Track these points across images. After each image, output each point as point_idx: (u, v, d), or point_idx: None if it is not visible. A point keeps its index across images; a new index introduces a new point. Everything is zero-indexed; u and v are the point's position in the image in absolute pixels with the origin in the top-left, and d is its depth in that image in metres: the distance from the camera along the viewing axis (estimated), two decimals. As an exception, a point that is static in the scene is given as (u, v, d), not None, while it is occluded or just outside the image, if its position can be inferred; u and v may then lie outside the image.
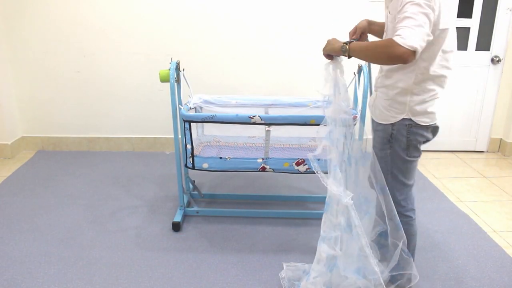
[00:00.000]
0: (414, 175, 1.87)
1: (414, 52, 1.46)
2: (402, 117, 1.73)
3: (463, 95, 3.83)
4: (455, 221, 2.72)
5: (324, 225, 1.85)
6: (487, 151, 4.02)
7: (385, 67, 1.76)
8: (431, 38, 1.54)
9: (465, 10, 3.61)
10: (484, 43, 3.70)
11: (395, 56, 1.47)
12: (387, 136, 1.79)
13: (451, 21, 1.62)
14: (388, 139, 1.79)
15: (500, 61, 3.71)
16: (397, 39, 1.45)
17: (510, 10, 3.60)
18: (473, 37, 3.67)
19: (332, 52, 1.83)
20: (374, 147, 1.88)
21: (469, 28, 3.65)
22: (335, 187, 1.80)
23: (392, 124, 1.76)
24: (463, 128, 3.94)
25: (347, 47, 1.68)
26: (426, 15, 1.50)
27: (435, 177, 3.40)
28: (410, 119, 1.72)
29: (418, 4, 1.50)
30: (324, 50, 1.87)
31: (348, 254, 1.86)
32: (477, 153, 3.99)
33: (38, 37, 3.49)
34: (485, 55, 3.73)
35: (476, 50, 3.71)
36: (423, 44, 1.49)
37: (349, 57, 1.70)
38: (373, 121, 1.89)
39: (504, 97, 3.83)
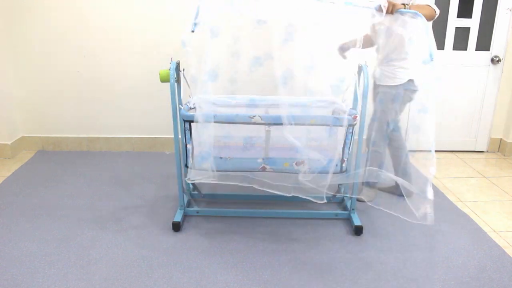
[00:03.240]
0: None
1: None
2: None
3: (463, 95, 3.83)
4: (455, 221, 2.72)
5: None
6: (487, 151, 4.02)
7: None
8: None
9: (465, 10, 3.61)
10: (484, 43, 3.70)
11: (434, 16, 2.40)
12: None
13: None
14: None
15: (500, 61, 3.71)
16: (435, 9, 2.39)
17: (510, 10, 3.60)
18: (473, 37, 3.67)
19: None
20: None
21: (469, 28, 3.65)
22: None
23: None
24: (463, 128, 3.94)
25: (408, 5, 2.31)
26: None
27: (435, 177, 3.40)
28: None
29: None
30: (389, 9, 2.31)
31: None
32: (477, 153, 3.99)
33: (38, 37, 3.49)
34: (485, 55, 3.73)
35: (476, 50, 3.71)
36: None
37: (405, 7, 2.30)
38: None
39: (504, 97, 3.84)
